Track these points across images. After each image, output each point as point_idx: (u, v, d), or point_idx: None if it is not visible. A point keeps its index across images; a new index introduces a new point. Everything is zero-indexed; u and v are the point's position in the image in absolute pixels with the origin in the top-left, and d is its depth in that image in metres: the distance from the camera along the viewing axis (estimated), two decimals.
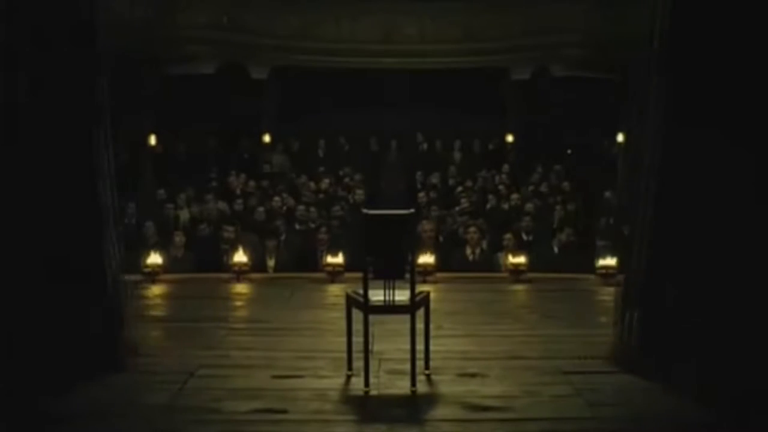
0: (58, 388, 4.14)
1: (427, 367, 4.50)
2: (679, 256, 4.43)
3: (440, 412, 3.97)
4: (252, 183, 12.37)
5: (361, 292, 4.29)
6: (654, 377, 4.35)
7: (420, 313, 4.39)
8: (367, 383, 4.20)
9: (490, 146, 14.85)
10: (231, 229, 8.68)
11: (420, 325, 4.37)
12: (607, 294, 7.09)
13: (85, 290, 4.55)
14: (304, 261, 8.44)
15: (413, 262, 4.55)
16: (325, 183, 12.52)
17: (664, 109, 4.48)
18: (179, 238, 8.56)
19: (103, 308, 4.63)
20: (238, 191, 11.93)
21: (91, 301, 4.58)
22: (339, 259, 7.52)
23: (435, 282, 7.32)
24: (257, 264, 8.06)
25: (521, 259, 7.63)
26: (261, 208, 10.46)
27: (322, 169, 13.31)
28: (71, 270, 4.48)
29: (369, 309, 4.27)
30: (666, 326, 4.44)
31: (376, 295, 4.25)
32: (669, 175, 4.47)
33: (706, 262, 4.32)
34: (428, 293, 4.52)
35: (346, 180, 12.87)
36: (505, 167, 13.38)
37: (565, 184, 12.09)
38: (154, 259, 7.54)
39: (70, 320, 4.44)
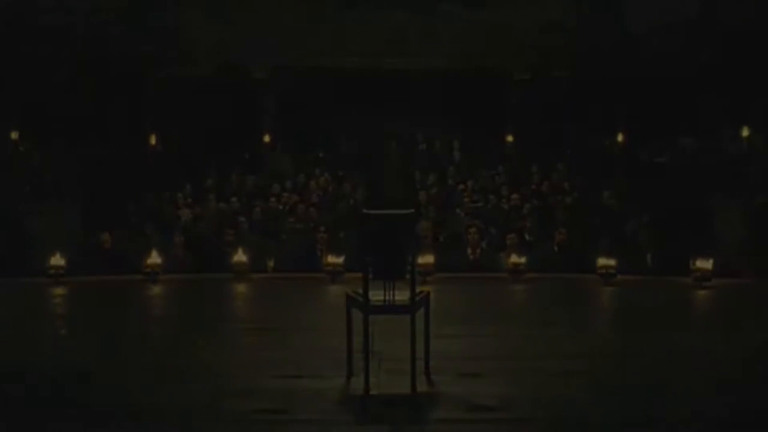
0: None
1: (427, 367, 4.49)
2: None
3: (440, 412, 3.97)
4: (252, 183, 12.37)
5: (361, 292, 4.29)
6: None
7: (420, 313, 4.39)
8: (367, 383, 4.20)
9: (490, 146, 14.83)
10: (231, 231, 8.69)
11: (420, 325, 4.37)
12: (607, 294, 7.11)
13: None
14: (304, 261, 8.44)
15: (413, 262, 4.54)
16: (323, 182, 12.51)
17: None
18: (179, 238, 8.56)
19: None
20: (237, 191, 11.93)
21: None
22: (339, 259, 7.52)
23: (435, 282, 7.33)
24: (257, 264, 8.06)
25: (521, 259, 7.64)
26: (260, 208, 10.46)
27: (318, 170, 13.29)
28: None
29: (369, 309, 4.27)
30: None
31: (376, 295, 4.25)
32: None
33: None
34: (428, 293, 4.51)
35: (347, 180, 12.85)
36: (500, 168, 13.37)
37: (566, 184, 12.08)
38: (154, 259, 7.54)
39: None
